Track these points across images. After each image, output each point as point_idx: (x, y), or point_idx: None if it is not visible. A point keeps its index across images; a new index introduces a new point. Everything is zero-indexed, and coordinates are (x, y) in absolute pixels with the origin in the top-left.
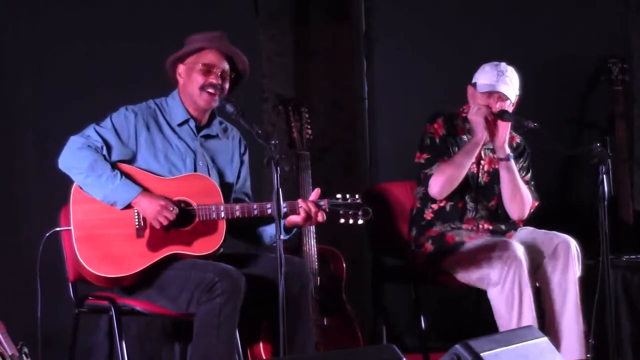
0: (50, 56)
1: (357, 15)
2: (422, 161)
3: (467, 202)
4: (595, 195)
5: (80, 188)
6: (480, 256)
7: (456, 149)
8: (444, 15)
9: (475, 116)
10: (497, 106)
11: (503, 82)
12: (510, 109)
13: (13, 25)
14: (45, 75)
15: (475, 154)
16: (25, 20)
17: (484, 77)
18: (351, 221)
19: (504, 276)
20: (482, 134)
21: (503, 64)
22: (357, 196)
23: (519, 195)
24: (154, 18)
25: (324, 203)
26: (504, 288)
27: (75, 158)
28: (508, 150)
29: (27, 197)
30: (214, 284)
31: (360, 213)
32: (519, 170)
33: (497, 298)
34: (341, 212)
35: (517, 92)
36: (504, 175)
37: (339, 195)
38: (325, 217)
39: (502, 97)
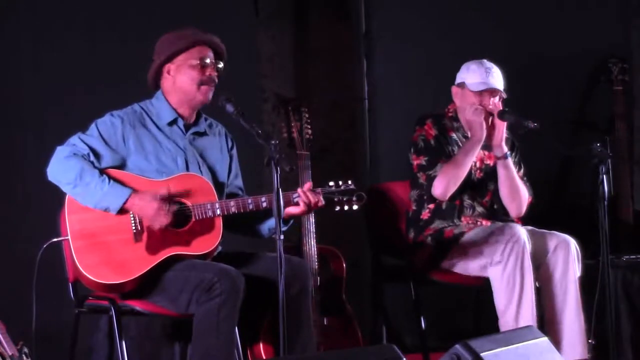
0: (51, 57)
1: (357, 15)
2: (423, 162)
3: (463, 200)
4: (595, 195)
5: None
6: (482, 240)
7: (450, 147)
8: (444, 14)
9: (474, 116)
10: (490, 102)
11: (493, 77)
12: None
13: (13, 25)
14: (45, 77)
15: (476, 153)
16: (25, 19)
17: (473, 75)
18: (346, 207)
19: (507, 256)
20: (481, 133)
21: (486, 61)
22: (349, 182)
23: (517, 193)
24: (154, 18)
25: (318, 191)
26: (506, 268)
27: (62, 168)
28: (505, 149)
29: (27, 198)
30: (213, 284)
31: (354, 199)
32: None
33: (498, 278)
34: (336, 199)
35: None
36: (502, 173)
37: (331, 183)
38: (324, 203)
39: (494, 93)
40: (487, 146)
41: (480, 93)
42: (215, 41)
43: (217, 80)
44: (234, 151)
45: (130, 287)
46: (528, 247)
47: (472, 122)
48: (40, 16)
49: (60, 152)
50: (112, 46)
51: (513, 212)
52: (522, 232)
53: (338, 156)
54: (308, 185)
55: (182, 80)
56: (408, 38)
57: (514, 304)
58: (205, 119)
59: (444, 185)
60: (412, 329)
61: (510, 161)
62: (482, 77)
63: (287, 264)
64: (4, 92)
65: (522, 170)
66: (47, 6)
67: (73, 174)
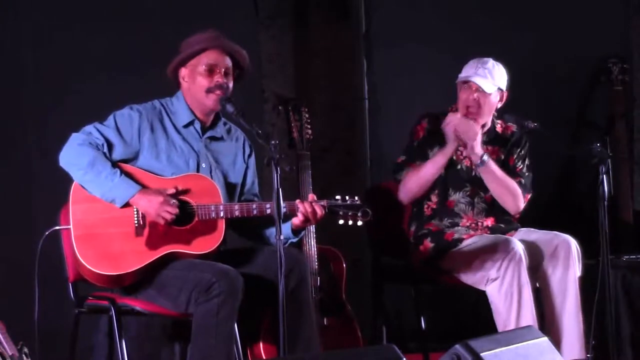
0: (51, 55)
1: (357, 15)
2: (399, 162)
3: (464, 197)
4: (595, 195)
5: (81, 186)
6: (479, 253)
7: (436, 149)
8: (444, 14)
9: (446, 127)
10: (471, 97)
11: (480, 74)
12: (498, 105)
13: (13, 24)
14: (48, 69)
15: (443, 164)
16: (25, 17)
17: (465, 69)
18: (350, 222)
19: (503, 272)
20: (451, 145)
21: (488, 59)
22: (356, 198)
23: (506, 192)
24: (154, 17)
25: (324, 203)
26: (503, 284)
27: (75, 155)
28: (481, 155)
29: (27, 196)
30: (212, 284)
31: (359, 214)
32: (515, 159)
33: (496, 294)
34: (341, 213)
35: (501, 87)
36: (486, 178)
37: (338, 197)
38: (323, 212)
39: (477, 88)
40: (486, 141)
41: (464, 87)
42: (229, 45)
43: (227, 87)
44: (252, 159)
45: (129, 280)
46: (525, 262)
47: (445, 134)
48: (42, 15)
49: (75, 139)
50: (112, 47)
51: (510, 210)
52: (519, 246)
53: (338, 156)
54: (311, 197)
55: (193, 87)
56: (408, 38)
57: (512, 320)
58: (225, 124)
59: (403, 192)
60: (412, 329)
61: (490, 164)
62: (469, 72)
63: (285, 256)
64: (6, 82)
65: (524, 166)
66: (48, 5)
67: (85, 160)
